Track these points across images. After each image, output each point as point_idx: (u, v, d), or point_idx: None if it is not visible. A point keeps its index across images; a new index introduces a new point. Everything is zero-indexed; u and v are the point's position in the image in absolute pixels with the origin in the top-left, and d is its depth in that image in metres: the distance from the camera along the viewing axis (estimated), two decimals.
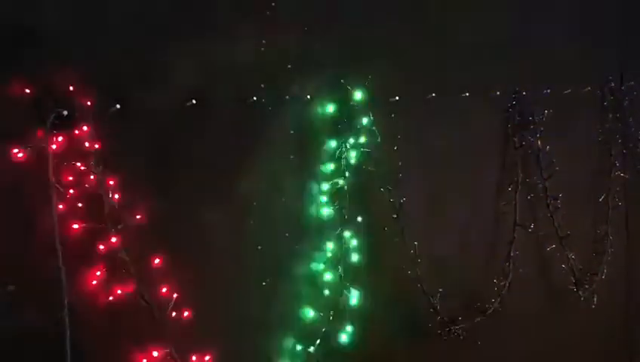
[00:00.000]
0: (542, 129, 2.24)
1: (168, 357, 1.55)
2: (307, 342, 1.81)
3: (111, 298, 1.51)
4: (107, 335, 1.55)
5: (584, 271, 2.42)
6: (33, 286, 1.46)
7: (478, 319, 2.13)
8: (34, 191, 1.40)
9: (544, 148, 2.25)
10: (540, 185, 2.27)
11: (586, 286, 2.42)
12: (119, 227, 1.48)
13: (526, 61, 2.24)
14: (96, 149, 1.46)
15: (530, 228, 2.26)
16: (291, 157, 1.81)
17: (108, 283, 1.50)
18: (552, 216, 2.28)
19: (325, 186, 1.83)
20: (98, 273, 1.50)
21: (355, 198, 1.87)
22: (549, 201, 2.27)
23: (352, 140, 1.85)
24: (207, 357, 1.61)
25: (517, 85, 2.22)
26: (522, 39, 2.24)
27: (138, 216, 1.51)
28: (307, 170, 1.83)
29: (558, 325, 2.40)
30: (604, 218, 2.48)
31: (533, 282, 2.34)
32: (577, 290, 2.39)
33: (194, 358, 1.60)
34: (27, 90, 1.40)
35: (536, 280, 2.36)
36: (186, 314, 1.56)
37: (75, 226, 1.45)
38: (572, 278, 2.37)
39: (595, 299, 2.44)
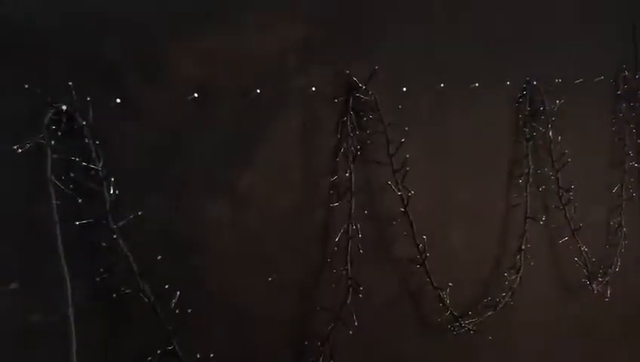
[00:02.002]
0: (553, 119, 2.20)
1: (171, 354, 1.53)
2: (314, 337, 1.79)
3: (114, 295, 1.49)
4: (111, 333, 1.54)
5: (597, 263, 2.39)
6: (37, 285, 1.44)
7: (489, 313, 2.10)
8: (33, 187, 1.38)
9: (556, 139, 2.21)
10: (552, 177, 2.23)
11: (600, 279, 2.38)
12: (120, 223, 1.45)
13: (537, 50, 2.19)
14: (96, 144, 1.43)
15: (542, 220, 2.22)
16: (295, 150, 1.77)
17: (110, 280, 1.48)
18: (564, 208, 2.24)
19: (331, 180, 1.80)
20: (101, 270, 1.48)
21: (362, 192, 1.84)
22: (560, 193, 2.23)
23: (357, 132, 1.83)
24: (211, 354, 1.59)
25: (527, 75, 2.18)
26: (533, 28, 2.19)
27: (139, 212, 1.48)
28: (312, 164, 1.80)
29: (570, 319, 2.37)
30: (617, 209, 2.44)
31: (545, 275, 2.31)
32: (590, 283, 2.35)
33: (198, 355, 1.57)
34: (25, 86, 1.37)
35: (548, 273, 2.32)
36: (189, 310, 1.53)
37: (76, 223, 1.43)
38: (585, 271, 2.33)
39: (609, 292, 2.40)
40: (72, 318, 1.39)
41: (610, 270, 2.41)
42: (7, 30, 1.38)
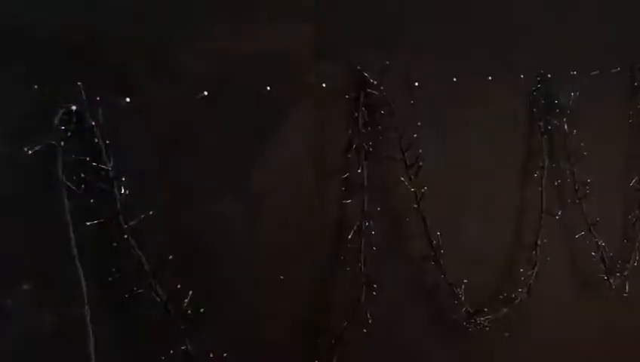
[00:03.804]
0: (568, 112, 2.17)
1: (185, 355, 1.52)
2: (328, 335, 1.78)
3: (126, 295, 1.49)
4: (123, 333, 1.54)
5: (615, 258, 2.35)
6: (49, 285, 1.44)
7: (505, 310, 2.08)
8: (44, 188, 1.38)
9: (571, 132, 2.18)
10: (567, 171, 2.20)
11: (618, 274, 2.35)
12: (131, 223, 1.45)
13: (551, 42, 2.16)
14: (106, 144, 1.43)
15: (558, 215, 2.19)
16: (306, 147, 1.76)
17: (122, 280, 1.48)
18: (580, 203, 2.21)
19: (342, 176, 1.79)
20: (112, 270, 1.48)
21: (375, 188, 1.83)
22: (576, 187, 2.20)
23: (369, 128, 1.81)
24: (224, 354, 1.59)
25: (542, 67, 2.15)
26: (547, 19, 2.16)
27: (151, 212, 1.48)
28: (325, 161, 1.79)
29: (588, 315, 2.34)
30: (635, 203, 2.40)
31: (561, 271, 2.28)
32: (608, 278, 2.32)
33: (211, 355, 1.57)
34: (34, 86, 1.37)
35: (565, 268, 2.29)
36: (202, 310, 1.53)
37: (87, 223, 1.42)
38: (602, 266, 2.30)
39: (627, 287, 2.37)
40: (88, 318, 1.39)
41: (628, 265, 2.38)
42: (16, 30, 1.37)
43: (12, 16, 1.37)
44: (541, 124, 2.16)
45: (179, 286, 1.51)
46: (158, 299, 1.49)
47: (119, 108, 1.46)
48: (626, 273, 2.36)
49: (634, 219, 2.41)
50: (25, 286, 1.42)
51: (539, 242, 2.14)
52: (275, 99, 1.68)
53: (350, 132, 1.80)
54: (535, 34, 2.13)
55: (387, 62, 1.78)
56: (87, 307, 1.39)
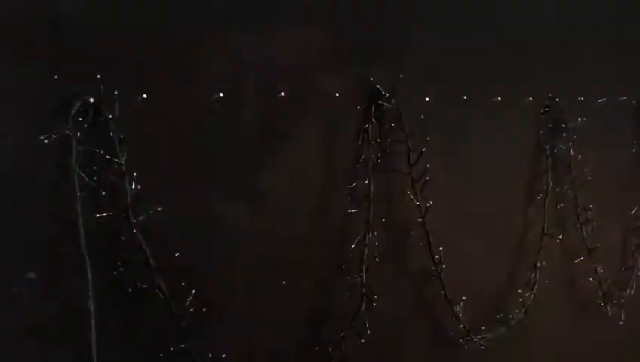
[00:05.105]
0: (575, 137, 2.19)
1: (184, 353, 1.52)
2: (326, 344, 1.78)
3: (130, 289, 1.50)
4: (124, 327, 1.54)
5: (612, 285, 2.36)
6: (56, 275, 1.44)
7: (502, 329, 2.08)
8: (58, 178, 1.39)
9: (576, 157, 2.19)
10: (571, 195, 2.22)
11: (614, 301, 2.35)
12: (140, 218, 1.46)
13: (560, 67, 2.18)
14: (120, 138, 1.44)
15: (559, 238, 2.20)
16: (317, 155, 1.77)
17: (127, 274, 1.49)
18: (581, 227, 2.22)
19: (350, 187, 1.80)
20: (118, 263, 1.48)
21: (380, 200, 1.84)
22: (579, 212, 2.21)
23: (379, 140, 1.82)
24: (223, 355, 1.59)
25: (551, 91, 2.17)
26: (558, 45, 2.18)
27: (159, 208, 1.49)
28: (333, 169, 1.80)
29: (583, 339, 2.34)
30: (635, 231, 2.42)
31: (559, 294, 2.28)
32: (605, 305, 2.32)
33: (210, 355, 1.57)
34: (55, 77, 1.38)
35: (563, 292, 2.30)
36: (204, 309, 1.53)
37: (97, 216, 1.43)
38: (600, 292, 2.31)
39: (623, 315, 2.37)
40: (92, 311, 1.39)
41: (624, 293, 2.38)
42: (40, 21, 1.39)
43: (36, 8, 1.38)
44: (547, 147, 2.18)
45: (183, 284, 1.51)
46: (162, 296, 1.49)
47: (136, 104, 1.47)
48: (622, 301, 2.37)
49: (633, 248, 2.42)
50: (30, 274, 1.42)
51: (539, 264, 2.15)
52: (288, 106, 1.70)
53: (359, 143, 1.81)
54: (546, 59, 2.15)
55: (401, 76, 1.80)
56: (91, 298, 1.39)
